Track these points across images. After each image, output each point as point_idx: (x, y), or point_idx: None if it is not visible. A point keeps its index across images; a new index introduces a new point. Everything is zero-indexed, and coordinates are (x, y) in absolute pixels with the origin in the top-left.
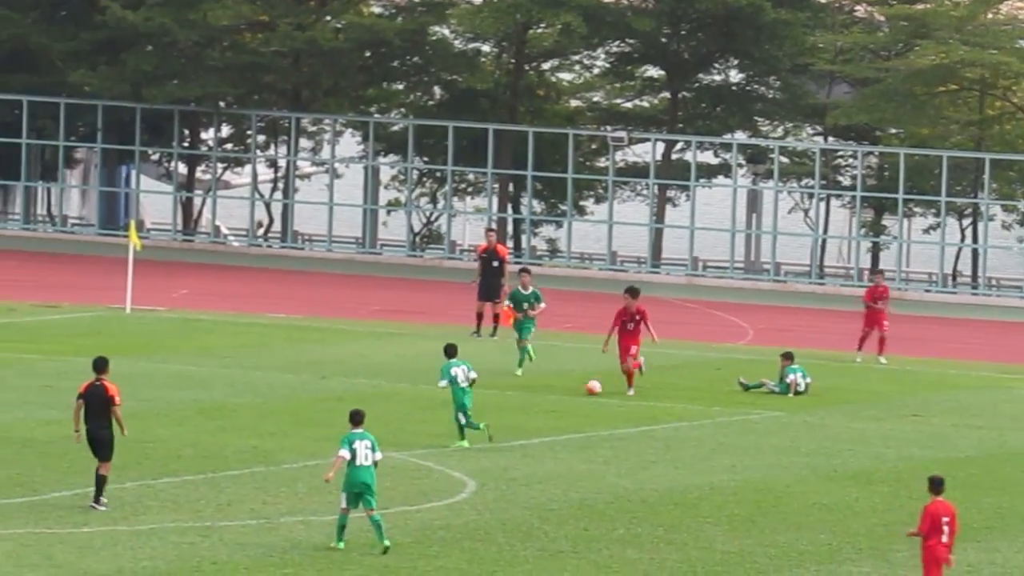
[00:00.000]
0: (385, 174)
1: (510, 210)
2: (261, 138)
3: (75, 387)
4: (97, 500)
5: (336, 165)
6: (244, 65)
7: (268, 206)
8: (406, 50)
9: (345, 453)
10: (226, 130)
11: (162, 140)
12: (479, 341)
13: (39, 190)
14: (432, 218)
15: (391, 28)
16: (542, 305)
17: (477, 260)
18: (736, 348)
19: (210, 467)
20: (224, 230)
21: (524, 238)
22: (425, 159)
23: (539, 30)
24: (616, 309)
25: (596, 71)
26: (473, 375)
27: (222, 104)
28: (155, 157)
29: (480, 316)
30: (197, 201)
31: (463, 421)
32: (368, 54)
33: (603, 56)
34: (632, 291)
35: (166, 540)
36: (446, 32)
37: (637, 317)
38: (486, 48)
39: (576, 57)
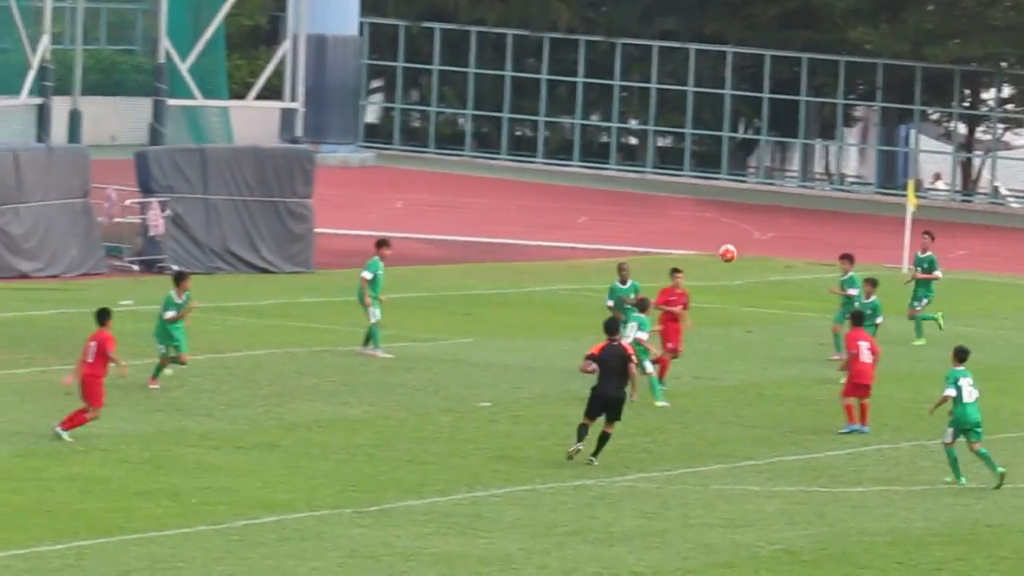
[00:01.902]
0: None
1: None
2: None
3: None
4: (595, 455)
5: None
6: None
7: None
8: None
9: (951, 391)
10: (1007, 90)
11: (942, 100)
12: None
13: (817, 148)
14: None
15: None
16: (937, 273)
17: None
18: None
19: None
20: (1003, 191)
21: None
22: None
23: None
24: None
25: None
26: None
27: (1003, 64)
28: (934, 117)
29: None
30: (976, 162)
31: None
32: None
33: None
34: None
35: (939, 501)
36: None
37: None
38: None
39: None
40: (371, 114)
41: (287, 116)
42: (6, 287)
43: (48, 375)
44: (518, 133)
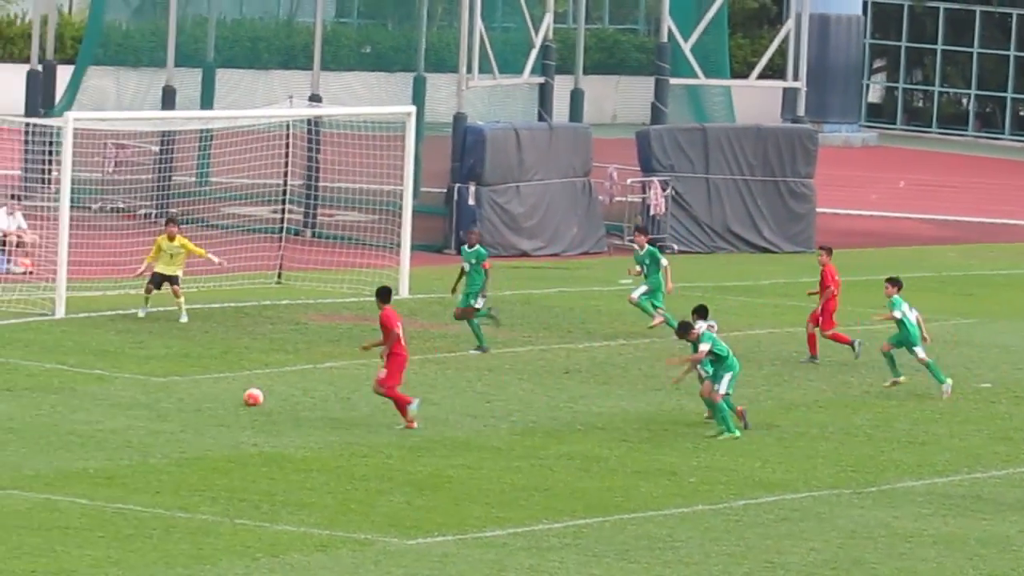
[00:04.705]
0: None
1: None
2: None
3: None
4: None
5: None
6: None
7: None
8: None
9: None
10: None
11: None
12: None
13: None
14: None
15: None
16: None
17: None
18: None
19: None
20: None
21: None
22: None
23: None
24: None
25: None
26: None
27: None
28: None
29: None
30: None
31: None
32: None
33: None
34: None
35: None
36: None
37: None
38: None
39: None
40: (873, 94)
41: (789, 95)
42: (506, 265)
43: (548, 354)
44: (1022, 113)
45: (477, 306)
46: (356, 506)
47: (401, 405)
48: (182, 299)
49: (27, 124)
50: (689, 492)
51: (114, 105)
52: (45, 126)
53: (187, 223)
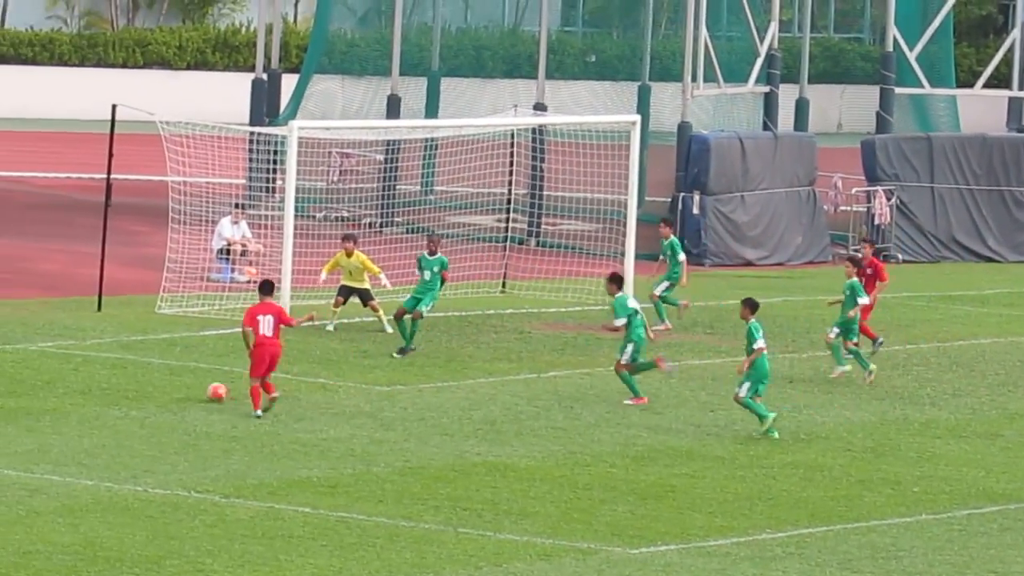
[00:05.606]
0: None
1: None
2: None
3: None
4: None
5: None
6: None
7: None
8: None
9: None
10: None
11: None
12: None
13: None
14: None
15: None
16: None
17: None
18: None
19: None
20: None
21: None
22: None
23: None
24: None
25: None
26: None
27: None
28: None
29: None
30: None
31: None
32: None
33: None
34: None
35: None
36: None
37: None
38: None
39: None
40: None
41: (1014, 105)
42: (730, 274)
43: (771, 363)
44: None
45: (425, 312)
46: (579, 515)
47: (255, 398)
48: (380, 311)
49: (252, 133)
50: (912, 502)
51: (339, 114)
52: (270, 135)
53: (412, 232)
